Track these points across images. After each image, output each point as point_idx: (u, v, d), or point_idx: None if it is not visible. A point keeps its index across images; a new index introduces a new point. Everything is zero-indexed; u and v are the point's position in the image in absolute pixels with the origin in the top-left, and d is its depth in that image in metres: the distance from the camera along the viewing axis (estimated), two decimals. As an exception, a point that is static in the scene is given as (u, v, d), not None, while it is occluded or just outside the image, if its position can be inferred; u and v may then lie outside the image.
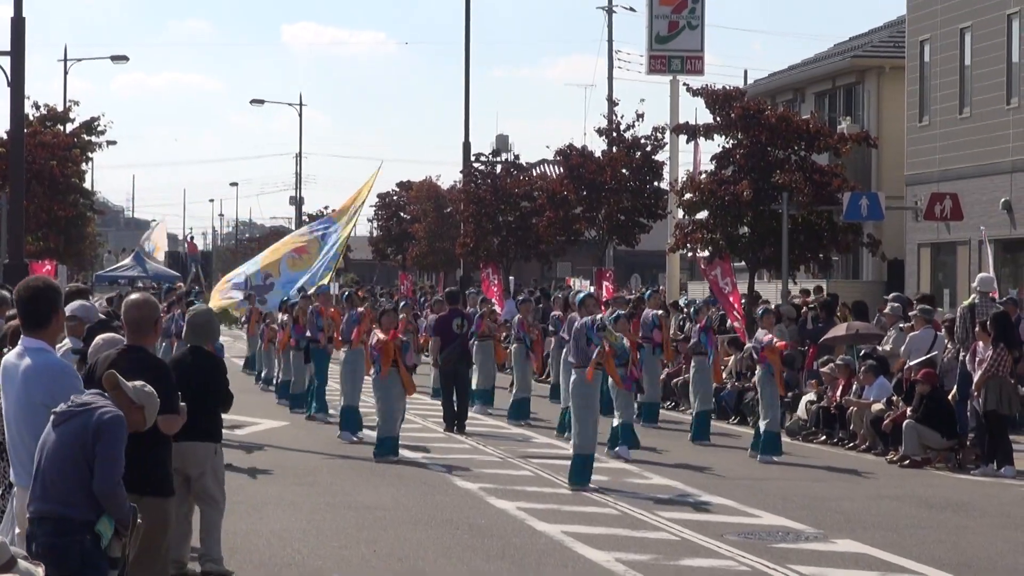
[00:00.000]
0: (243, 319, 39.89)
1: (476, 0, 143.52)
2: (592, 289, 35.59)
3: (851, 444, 24.36)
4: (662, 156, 49.69)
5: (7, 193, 40.55)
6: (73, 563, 8.12)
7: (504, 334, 34.19)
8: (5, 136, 45.37)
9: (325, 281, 27.82)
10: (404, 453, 22.01)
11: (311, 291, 28.16)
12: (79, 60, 79.47)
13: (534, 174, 62.15)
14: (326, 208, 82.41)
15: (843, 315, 31.11)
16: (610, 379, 20.73)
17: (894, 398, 23.79)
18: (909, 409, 22.66)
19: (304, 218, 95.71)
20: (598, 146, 51.52)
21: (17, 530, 8.85)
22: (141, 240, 75.32)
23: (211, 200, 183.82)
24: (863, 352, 25.84)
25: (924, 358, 23.49)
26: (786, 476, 20.86)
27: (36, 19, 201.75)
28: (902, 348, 24.51)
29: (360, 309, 25.80)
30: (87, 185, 59.50)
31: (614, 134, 49.74)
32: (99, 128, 55.32)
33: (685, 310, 35.51)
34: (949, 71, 38.55)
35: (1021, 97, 35.69)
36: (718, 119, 39.00)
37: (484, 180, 58.12)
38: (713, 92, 39.09)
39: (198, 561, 13.04)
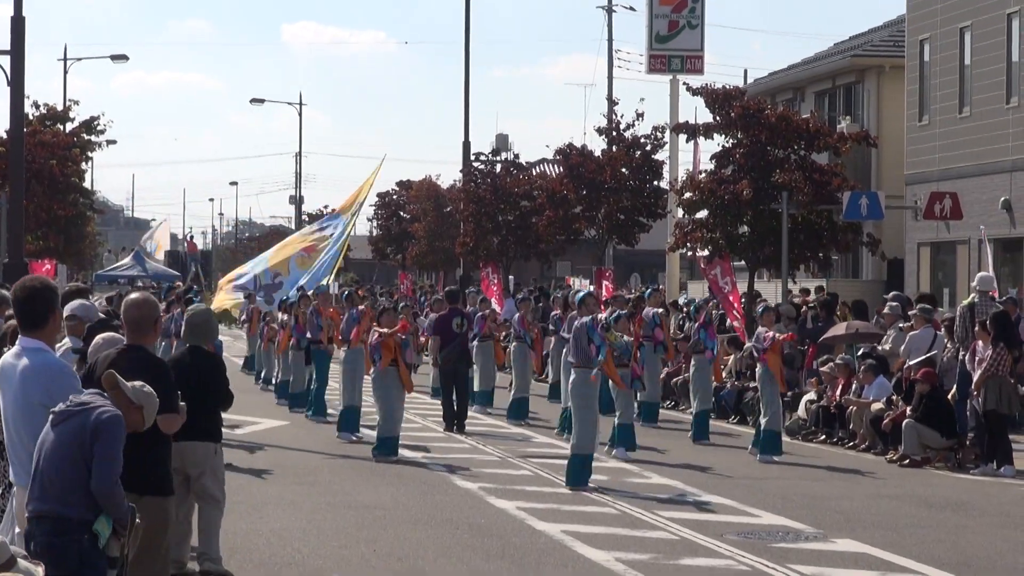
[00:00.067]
0: (243, 318, 39.86)
1: (476, 0, 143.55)
2: (592, 288, 35.58)
3: (851, 443, 24.36)
4: (662, 155, 49.77)
5: (7, 192, 40.56)
6: (71, 562, 8.12)
7: (504, 333, 34.19)
8: (5, 135, 45.37)
9: (325, 281, 27.82)
10: (404, 453, 22.01)
11: (310, 291, 28.17)
12: (79, 59, 79.14)
13: (534, 173, 62.13)
14: (326, 207, 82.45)
15: (843, 314, 31.11)
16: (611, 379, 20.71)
17: (894, 397, 23.79)
18: (909, 408, 22.66)
19: (304, 217, 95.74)
20: (598, 145, 51.58)
21: (17, 529, 8.86)
22: (143, 239, 75.32)
23: (211, 199, 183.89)
24: (862, 351, 25.83)
25: (924, 357, 23.49)
26: (786, 475, 20.86)
27: (36, 18, 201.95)
28: (902, 347, 24.51)
29: (361, 307, 25.80)
30: (87, 184, 59.53)
31: (614, 133, 49.73)
32: (99, 127, 55.35)
33: (684, 309, 35.51)
34: (949, 70, 38.55)
35: (1021, 96, 35.69)
36: (718, 118, 39.01)
37: (484, 179, 58.12)
38: (713, 91, 39.09)
39: (197, 560, 13.04)
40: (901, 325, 25.70)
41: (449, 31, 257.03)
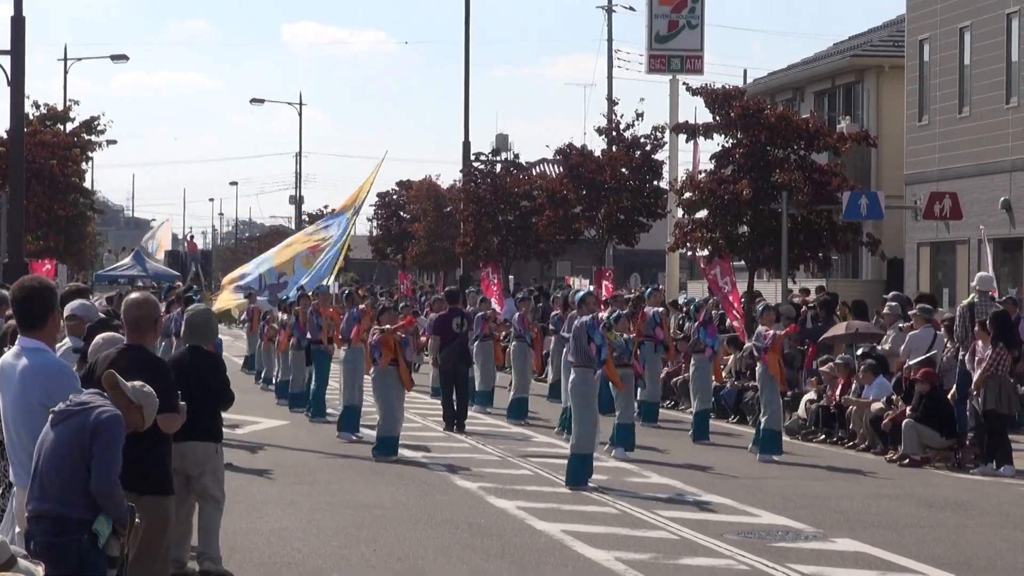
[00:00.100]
0: (243, 318, 39.89)
1: (476, 0, 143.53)
2: (592, 288, 35.59)
3: (850, 443, 24.37)
4: (662, 155, 49.79)
5: (7, 192, 40.56)
6: (71, 562, 8.13)
7: (504, 333, 34.20)
8: (5, 135, 45.38)
9: (326, 282, 27.82)
10: (404, 452, 22.02)
11: (310, 291, 28.17)
12: (79, 59, 79.12)
13: (534, 173, 62.14)
14: (326, 207, 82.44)
15: (843, 314, 31.11)
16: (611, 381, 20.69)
17: (893, 397, 23.79)
18: (908, 408, 22.67)
19: (304, 217, 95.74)
20: (598, 145, 51.60)
21: (17, 529, 8.86)
22: (145, 238, 75.31)
23: (211, 199, 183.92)
24: (862, 351, 25.85)
25: (923, 357, 23.49)
26: (785, 475, 20.87)
27: (36, 18, 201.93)
28: (901, 347, 24.52)
29: (361, 306, 25.82)
30: (87, 184, 59.55)
31: (614, 133, 49.74)
32: (99, 127, 55.36)
33: (684, 308, 35.51)
34: (948, 70, 38.55)
35: (1020, 96, 35.70)
36: (717, 118, 39.02)
37: (484, 179, 58.13)
38: (713, 91, 39.10)
39: (196, 560, 13.04)
40: (901, 325, 25.70)
41: (449, 31, 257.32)
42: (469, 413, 26.75)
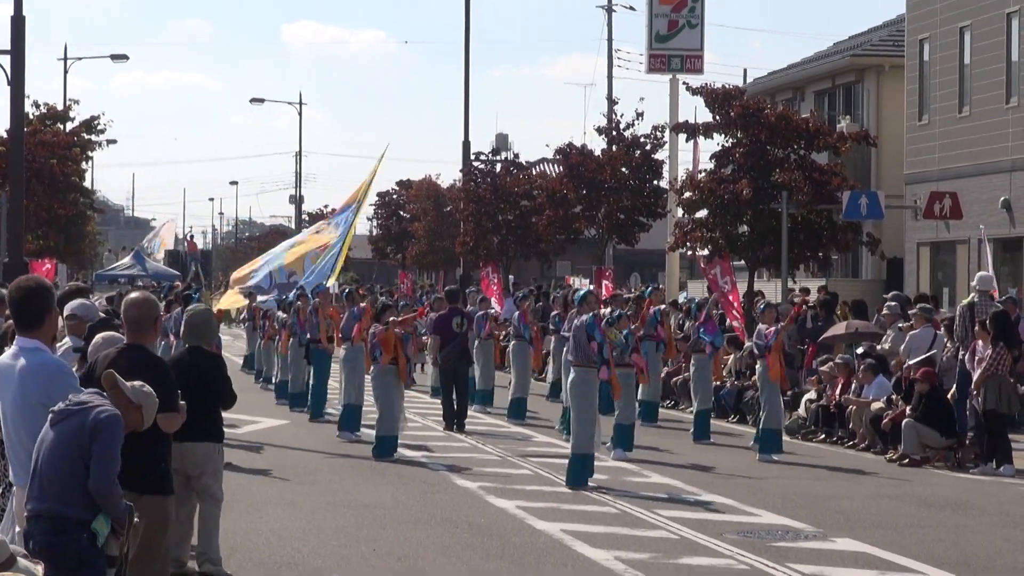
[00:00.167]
0: (243, 317, 39.88)
1: (476, 0, 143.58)
2: (592, 287, 35.59)
3: (850, 443, 24.37)
4: (662, 155, 49.82)
5: (7, 192, 40.56)
6: (70, 561, 8.13)
7: (503, 333, 34.20)
8: (5, 135, 45.38)
9: (328, 283, 27.80)
10: (404, 452, 22.02)
11: (309, 290, 28.15)
12: (79, 59, 79.27)
13: (534, 173, 62.16)
14: (326, 207, 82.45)
15: (843, 314, 31.13)
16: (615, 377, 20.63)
17: (893, 397, 23.80)
18: (908, 408, 22.67)
19: (304, 217, 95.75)
20: (598, 145, 51.63)
21: (17, 528, 8.86)
22: (148, 238, 75.31)
23: (211, 199, 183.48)
24: (861, 350, 25.85)
25: (923, 357, 23.49)
26: (785, 475, 20.87)
27: (36, 18, 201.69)
28: (901, 347, 24.52)
29: (362, 304, 25.82)
30: (87, 184, 59.57)
31: (614, 133, 49.76)
32: (99, 127, 55.38)
33: (684, 307, 35.50)
34: (948, 70, 38.55)
35: (1020, 96, 35.69)
36: (717, 118, 39.04)
37: (484, 179, 58.14)
38: (713, 91, 39.12)
39: (196, 560, 13.04)
40: (901, 325, 25.71)
41: (449, 31, 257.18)
42: (469, 413, 26.75)
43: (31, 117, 51.35)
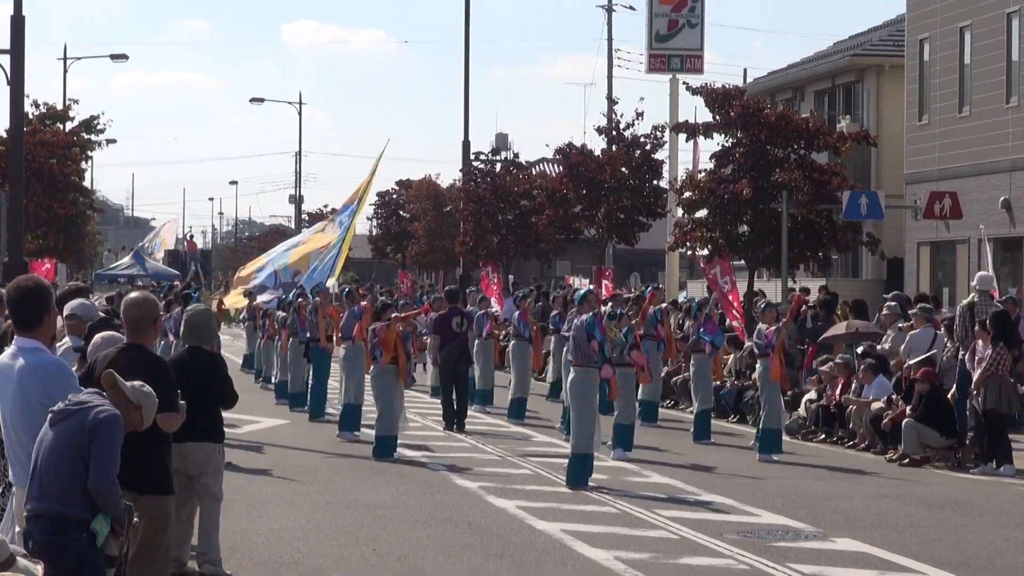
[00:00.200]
0: (243, 316, 39.88)
1: (476, 0, 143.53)
2: (592, 287, 35.58)
3: (850, 443, 24.36)
4: (662, 155, 49.82)
5: (7, 191, 40.56)
6: (70, 561, 8.12)
7: (503, 333, 34.20)
8: (5, 134, 45.37)
9: (328, 282, 27.82)
10: (404, 452, 22.01)
11: (308, 289, 28.16)
12: (79, 59, 79.49)
13: (533, 173, 62.15)
14: (326, 207, 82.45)
15: (843, 314, 31.12)
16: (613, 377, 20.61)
17: (893, 397, 23.79)
18: (908, 408, 22.66)
19: (304, 216, 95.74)
20: (598, 145, 51.62)
21: (17, 528, 8.85)
22: (149, 238, 75.30)
23: (211, 199, 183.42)
24: (861, 350, 25.85)
25: (923, 357, 23.49)
26: (785, 475, 20.86)
27: (36, 17, 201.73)
28: (902, 347, 24.52)
29: (364, 303, 25.83)
30: (87, 183, 59.58)
31: (614, 133, 49.75)
32: (99, 126, 55.39)
33: (684, 305, 35.48)
34: (949, 70, 38.55)
35: (1020, 96, 35.69)
36: (717, 118, 39.03)
37: (484, 179, 58.13)
38: (713, 91, 39.11)
39: (196, 560, 13.03)
40: (901, 324, 25.70)
41: (449, 31, 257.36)
42: (469, 412, 26.74)
43: (31, 117, 51.35)
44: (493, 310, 32.08)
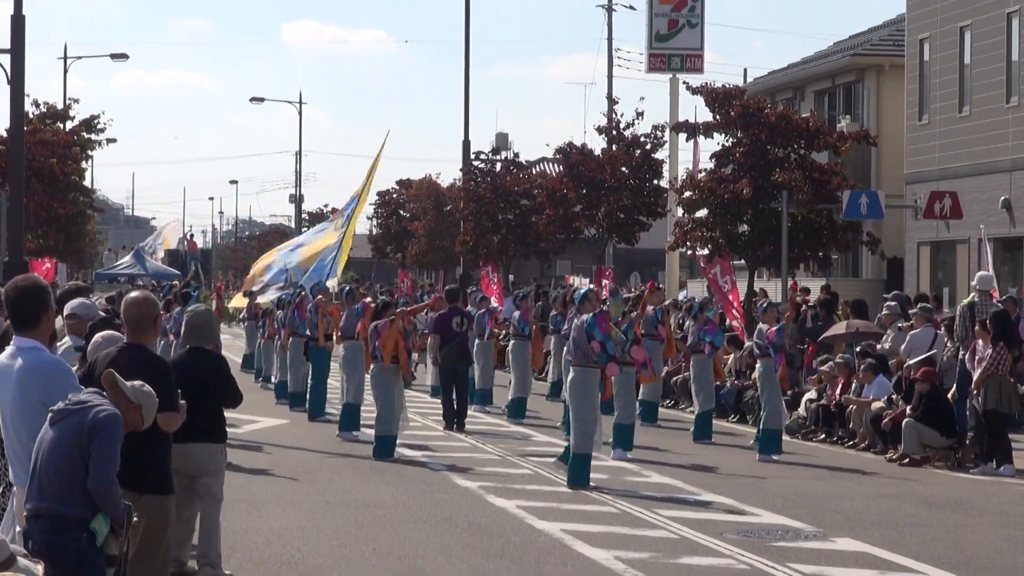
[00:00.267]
0: (243, 316, 39.88)
1: (476, 0, 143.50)
2: (592, 286, 35.56)
3: (850, 443, 24.36)
4: (662, 154, 49.82)
5: (7, 191, 40.55)
6: (70, 561, 8.12)
7: (503, 332, 34.18)
8: (5, 134, 45.37)
9: (329, 283, 27.83)
10: (404, 451, 22.01)
11: (308, 287, 28.17)
12: (79, 58, 79.65)
13: (534, 172, 62.12)
14: (326, 206, 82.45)
15: (843, 313, 31.12)
16: (612, 377, 20.60)
17: (893, 397, 23.79)
18: (908, 408, 22.66)
19: (304, 216, 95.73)
20: (598, 144, 51.63)
21: (17, 528, 8.85)
22: (152, 237, 75.36)
23: (211, 198, 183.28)
24: (861, 350, 25.85)
25: (923, 356, 23.49)
26: (785, 475, 20.86)
27: (36, 17, 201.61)
28: (902, 347, 24.52)
29: (366, 300, 25.82)
30: (87, 183, 59.57)
31: (614, 132, 49.74)
32: (99, 126, 55.38)
33: (685, 305, 35.46)
34: (949, 70, 38.55)
35: (1021, 96, 35.69)
36: (718, 117, 39.03)
37: (484, 178, 58.12)
38: (713, 90, 39.11)
39: (196, 560, 13.03)
40: (901, 324, 25.71)
41: (449, 31, 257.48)
42: (469, 412, 26.74)
43: (31, 116, 51.34)
44: (494, 307, 32.02)
